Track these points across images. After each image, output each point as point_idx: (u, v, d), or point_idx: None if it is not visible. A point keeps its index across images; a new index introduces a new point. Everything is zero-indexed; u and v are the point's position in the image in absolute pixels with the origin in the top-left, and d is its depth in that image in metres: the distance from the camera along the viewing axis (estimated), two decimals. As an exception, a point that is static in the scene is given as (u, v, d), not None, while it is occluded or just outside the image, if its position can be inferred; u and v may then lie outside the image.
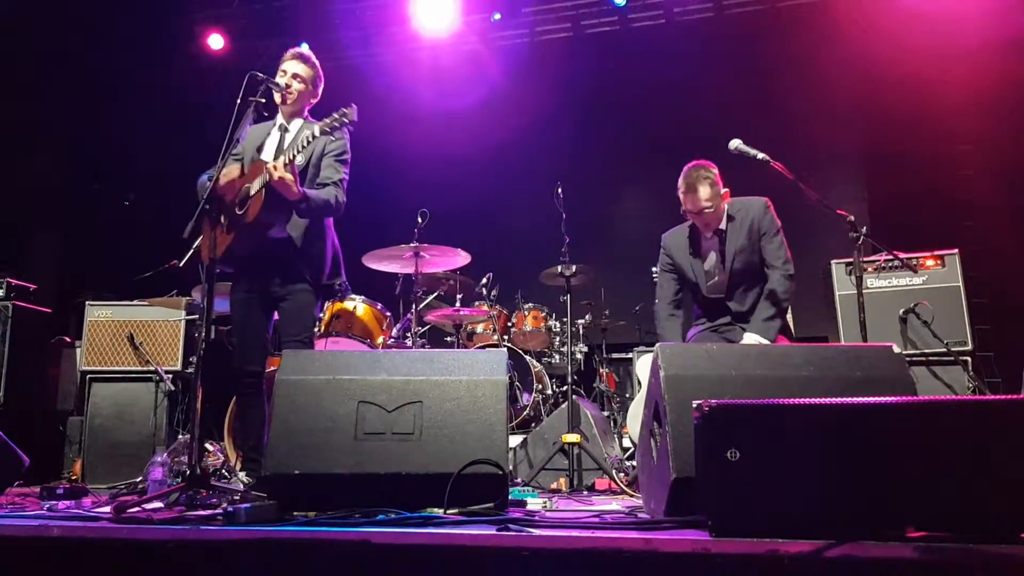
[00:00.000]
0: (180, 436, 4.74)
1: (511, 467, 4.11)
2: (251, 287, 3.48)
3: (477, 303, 5.72)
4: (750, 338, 3.69)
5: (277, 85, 3.48)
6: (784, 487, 1.90)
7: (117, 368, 4.96)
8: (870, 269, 4.52)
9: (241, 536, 2.09)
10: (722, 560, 1.80)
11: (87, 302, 5.09)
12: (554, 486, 3.98)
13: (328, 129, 3.24)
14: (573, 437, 3.98)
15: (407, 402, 2.53)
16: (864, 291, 3.72)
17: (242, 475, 3.76)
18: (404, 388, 2.56)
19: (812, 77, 6.46)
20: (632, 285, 6.02)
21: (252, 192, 3.31)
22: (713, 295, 3.92)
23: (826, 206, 3.61)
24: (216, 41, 7.49)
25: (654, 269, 5.20)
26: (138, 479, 4.02)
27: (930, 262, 4.49)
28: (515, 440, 4.44)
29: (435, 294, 5.71)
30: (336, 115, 3.24)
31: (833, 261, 4.68)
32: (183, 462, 4.01)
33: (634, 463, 4.06)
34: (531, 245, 5.77)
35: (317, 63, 3.65)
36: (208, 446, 4.50)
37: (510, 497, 2.55)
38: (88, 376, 4.95)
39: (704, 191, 3.75)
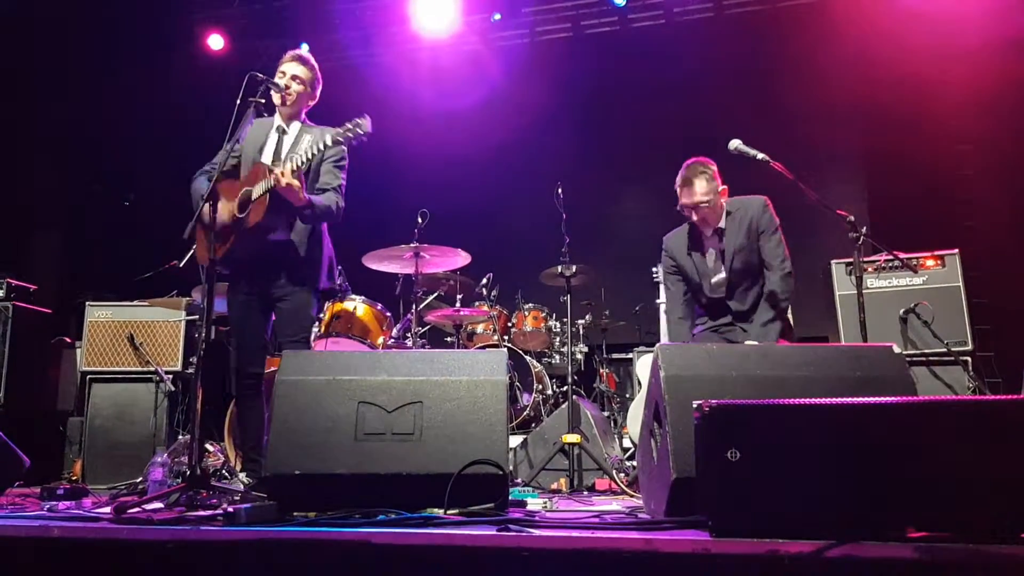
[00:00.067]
0: (180, 436, 4.74)
1: (511, 467, 4.10)
2: (251, 289, 3.48)
3: (477, 303, 5.72)
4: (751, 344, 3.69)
5: (277, 86, 3.48)
6: (784, 487, 1.90)
7: (117, 368, 4.96)
8: (870, 269, 4.52)
9: (241, 536, 2.09)
10: (722, 560, 1.80)
11: (87, 302, 5.09)
12: (554, 486, 3.98)
13: (341, 139, 3.24)
14: (573, 437, 3.98)
15: (407, 402, 2.53)
16: (864, 291, 3.72)
17: (242, 475, 3.76)
18: (404, 388, 2.56)
19: (812, 77, 6.46)
20: (632, 285, 6.02)
21: (254, 196, 3.31)
22: (715, 294, 3.92)
23: (826, 206, 3.61)
24: (216, 41, 7.49)
25: (654, 269, 5.23)
26: (138, 480, 4.02)
27: (930, 262, 4.49)
28: (515, 440, 4.44)
29: (435, 294, 5.71)
30: (350, 125, 3.23)
31: (833, 261, 4.68)
32: (183, 463, 4.02)
33: (634, 463, 4.06)
34: (531, 245, 5.77)
35: (316, 65, 3.65)
36: (208, 446, 4.49)
37: (510, 497, 2.55)
38: (88, 376, 4.95)
39: (701, 185, 3.76)
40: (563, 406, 4.37)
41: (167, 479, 3.42)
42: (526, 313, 5.79)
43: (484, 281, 5.76)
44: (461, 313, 5.31)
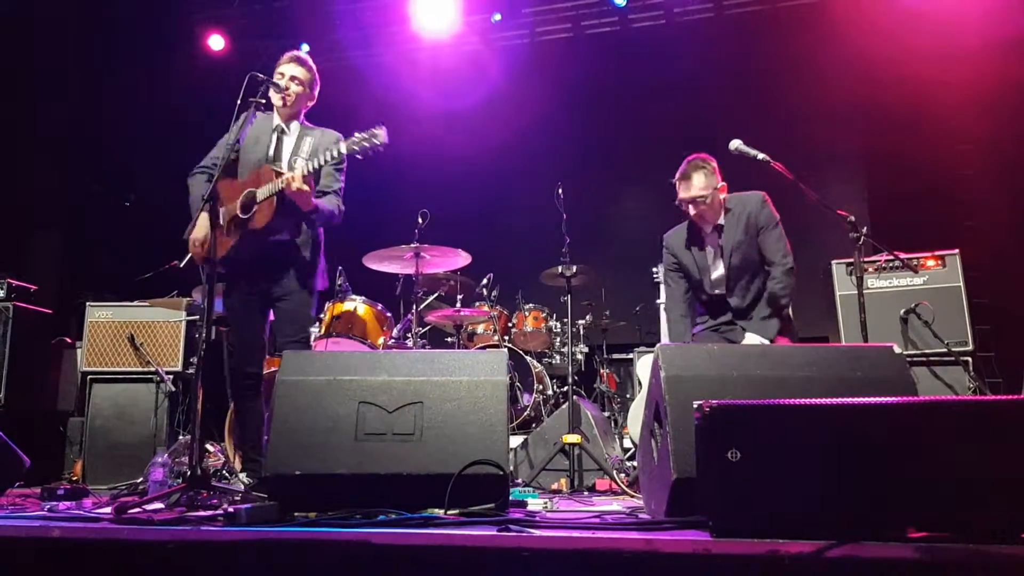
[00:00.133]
0: (181, 437, 4.74)
1: (512, 468, 4.10)
2: (251, 289, 3.48)
3: (477, 304, 5.72)
4: (750, 338, 3.70)
5: (277, 86, 3.49)
6: (785, 487, 1.90)
7: (118, 369, 4.96)
8: (871, 269, 4.52)
9: (242, 537, 2.09)
10: (723, 560, 1.80)
11: (87, 303, 5.09)
12: (555, 487, 3.98)
13: (357, 150, 3.24)
14: (574, 438, 3.98)
15: (408, 403, 2.53)
16: (865, 291, 3.72)
17: (243, 476, 3.76)
18: (405, 389, 2.56)
19: (812, 77, 6.46)
20: (633, 285, 6.02)
21: (260, 198, 3.32)
22: (715, 291, 3.92)
23: (826, 206, 3.61)
24: (216, 42, 7.49)
25: (655, 269, 5.22)
26: (139, 480, 4.02)
27: (931, 262, 4.49)
28: (516, 441, 4.44)
29: (436, 295, 5.71)
30: (367, 135, 3.24)
31: (834, 261, 4.68)
32: (184, 463, 4.02)
33: (635, 464, 4.06)
34: (531, 245, 5.77)
35: (313, 66, 3.66)
36: (209, 447, 4.49)
37: (511, 498, 2.55)
38: (89, 377, 4.95)
39: (699, 180, 3.76)
40: (563, 406, 4.37)
41: (168, 479, 3.42)
42: (526, 313, 5.79)
43: (484, 281, 5.76)
44: (461, 313, 5.31)
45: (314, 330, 4.68)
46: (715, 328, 3.92)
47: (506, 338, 5.66)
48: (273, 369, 3.65)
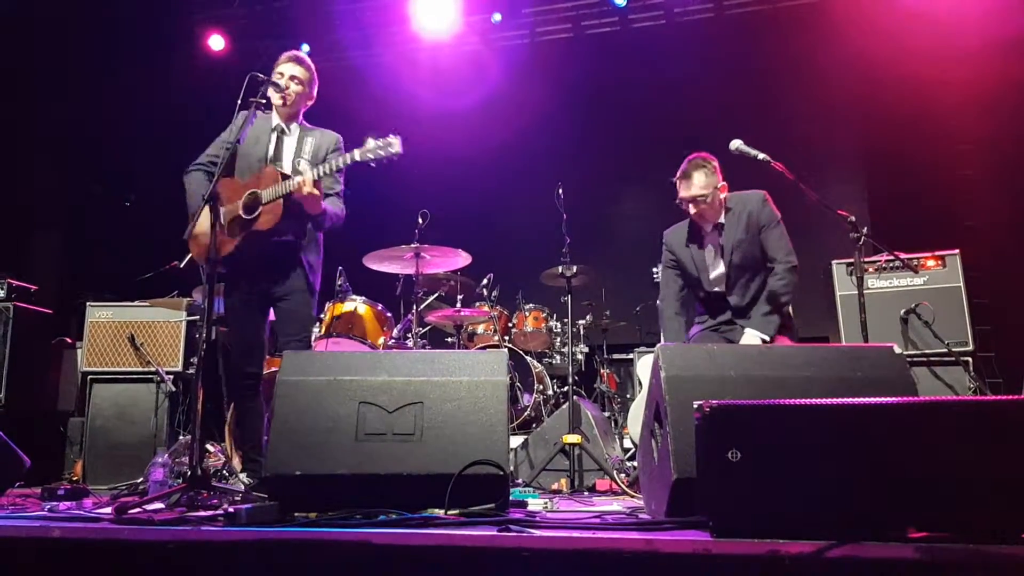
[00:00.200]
0: (181, 437, 4.74)
1: (512, 468, 4.09)
2: (252, 289, 3.48)
3: (478, 304, 5.72)
4: (750, 334, 3.70)
5: (277, 86, 3.49)
6: (785, 487, 1.90)
7: (118, 369, 4.96)
8: (871, 269, 4.53)
9: (242, 537, 2.09)
10: (723, 560, 1.80)
11: (88, 303, 5.09)
12: (555, 487, 3.98)
13: (372, 157, 3.24)
14: (574, 438, 3.98)
15: (408, 403, 2.53)
16: (865, 291, 3.72)
17: (243, 476, 3.76)
18: (405, 389, 2.56)
19: (812, 77, 6.46)
20: (633, 286, 6.02)
21: (265, 200, 3.31)
22: (714, 289, 3.92)
23: (826, 206, 3.61)
24: (216, 42, 7.50)
25: (655, 269, 5.22)
26: (139, 480, 4.02)
27: (931, 262, 4.49)
28: (516, 441, 4.44)
29: (436, 295, 5.71)
30: (382, 143, 3.22)
31: (834, 261, 4.68)
32: (184, 463, 4.01)
33: (635, 464, 4.06)
34: (532, 246, 5.77)
35: (312, 66, 3.65)
36: (209, 447, 4.49)
37: (511, 498, 2.55)
38: (89, 377, 4.95)
39: (699, 178, 3.77)
40: (564, 406, 4.37)
41: (168, 479, 3.42)
42: (527, 313, 5.79)
43: (485, 281, 5.76)
44: (462, 313, 5.31)
45: (314, 330, 4.68)
46: (715, 328, 3.92)
47: (506, 338, 5.66)
48: (273, 369, 3.66)
